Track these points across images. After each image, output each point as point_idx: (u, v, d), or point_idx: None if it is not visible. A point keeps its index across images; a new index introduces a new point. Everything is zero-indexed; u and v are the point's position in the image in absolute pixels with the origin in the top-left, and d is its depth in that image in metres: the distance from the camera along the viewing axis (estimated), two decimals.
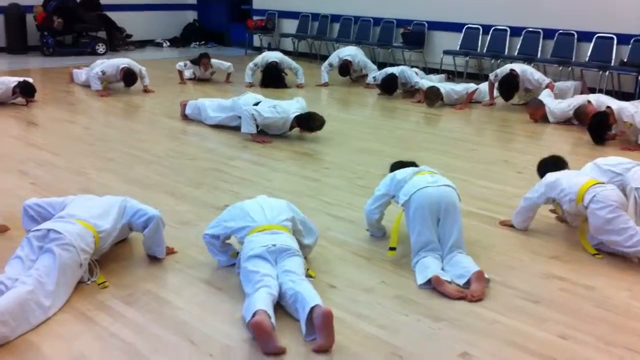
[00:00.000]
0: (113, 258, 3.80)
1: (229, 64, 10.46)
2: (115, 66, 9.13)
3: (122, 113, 8.26)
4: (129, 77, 9.06)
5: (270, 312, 2.95)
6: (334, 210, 4.80)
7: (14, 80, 8.06)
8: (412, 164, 4.28)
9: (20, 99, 8.18)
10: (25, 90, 8.02)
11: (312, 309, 2.94)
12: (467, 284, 3.56)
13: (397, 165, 4.28)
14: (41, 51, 13.11)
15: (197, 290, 3.49)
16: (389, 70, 9.62)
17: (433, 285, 3.53)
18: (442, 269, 3.68)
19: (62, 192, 4.92)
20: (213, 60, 10.32)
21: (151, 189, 5.16)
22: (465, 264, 3.68)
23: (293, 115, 6.66)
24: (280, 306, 3.18)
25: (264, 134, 6.83)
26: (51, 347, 2.90)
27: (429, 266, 3.64)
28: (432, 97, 8.76)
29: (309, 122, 6.66)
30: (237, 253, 3.65)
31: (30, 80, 8.22)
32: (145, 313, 3.22)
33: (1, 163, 5.64)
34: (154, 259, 3.82)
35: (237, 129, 6.93)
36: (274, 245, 3.35)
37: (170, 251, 3.90)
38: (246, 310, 3.01)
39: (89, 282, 3.44)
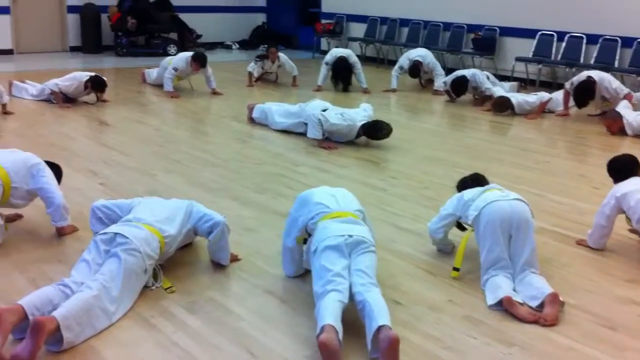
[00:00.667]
0: (177, 263, 3.80)
1: (294, 65, 10.43)
2: (184, 59, 9.21)
3: (190, 115, 8.35)
4: (202, 59, 9.10)
5: (339, 325, 2.85)
6: (400, 221, 4.68)
7: (85, 75, 8.24)
8: (479, 180, 4.11)
9: (91, 97, 8.36)
10: (96, 85, 8.17)
11: (379, 328, 2.84)
12: (540, 306, 3.39)
13: (464, 183, 4.12)
14: (115, 51, 13.44)
15: (260, 300, 3.44)
16: (460, 72, 9.40)
17: (504, 307, 3.38)
18: (514, 289, 3.52)
19: (130, 194, 4.98)
20: (281, 54, 10.32)
21: (216, 193, 5.16)
22: (538, 284, 3.51)
23: (360, 123, 6.59)
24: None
25: (329, 140, 6.77)
26: (113, 354, 2.90)
27: (500, 286, 3.49)
28: (501, 108, 8.52)
29: (374, 131, 6.57)
30: (304, 239, 3.53)
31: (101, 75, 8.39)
32: (208, 322, 3.19)
33: (73, 162, 5.75)
34: (218, 266, 3.80)
35: (303, 134, 6.89)
36: (350, 236, 3.23)
37: (234, 258, 3.87)
38: (317, 316, 2.93)
39: (153, 288, 3.43)
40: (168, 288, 3.46)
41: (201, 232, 3.76)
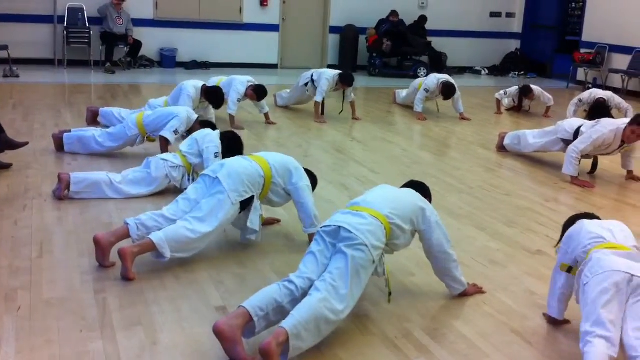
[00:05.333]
0: (422, 288, 3.80)
1: (549, 96, 10.03)
2: (435, 81, 9.29)
3: (437, 137, 8.38)
4: (449, 90, 9.16)
5: None
6: None
7: (337, 73, 8.67)
8: None
9: (337, 107, 8.78)
10: (344, 79, 8.58)
11: None
12: None
13: None
14: (368, 71, 13.98)
15: (507, 339, 3.30)
16: None
17: None
18: None
19: None
20: (535, 87, 9.97)
21: (462, 220, 5.09)
22: None
23: (623, 126, 6.02)
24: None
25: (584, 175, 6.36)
26: None
27: None
28: None
29: None
30: (569, 268, 3.26)
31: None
32: (452, 352, 3.14)
33: (327, 175, 6.05)
34: (458, 297, 3.71)
35: (555, 167, 6.55)
36: (633, 276, 2.84)
37: (478, 290, 3.77)
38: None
39: (381, 277, 3.35)
40: (390, 294, 3.38)
41: (425, 247, 3.55)
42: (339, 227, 3.25)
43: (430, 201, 3.70)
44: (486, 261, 4.27)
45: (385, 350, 3.12)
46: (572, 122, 6.64)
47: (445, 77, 9.38)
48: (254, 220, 4.13)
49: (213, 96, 7.18)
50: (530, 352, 3.20)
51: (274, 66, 13.92)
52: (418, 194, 3.62)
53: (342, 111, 8.84)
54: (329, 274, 3.11)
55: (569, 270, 3.25)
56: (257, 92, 7.90)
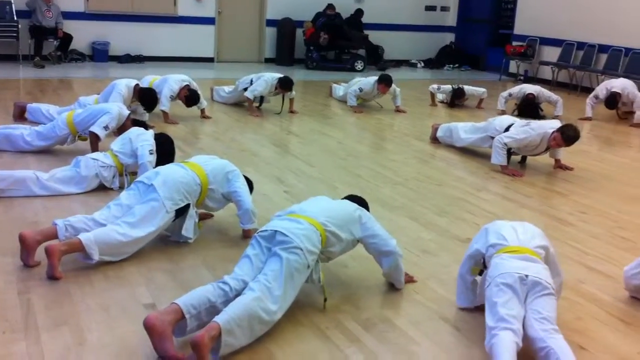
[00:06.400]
0: (355, 278, 3.82)
1: (483, 89, 10.25)
2: (371, 83, 9.37)
3: (373, 130, 8.45)
4: (387, 81, 9.22)
5: None
6: (589, 260, 4.38)
7: (275, 77, 8.61)
8: None
9: (276, 106, 8.75)
10: (284, 85, 8.54)
11: None
12: None
13: None
14: (305, 64, 13.98)
15: (436, 326, 3.37)
16: None
17: None
18: None
19: None
20: (466, 87, 10.17)
21: (396, 211, 5.15)
22: None
23: (550, 130, 6.23)
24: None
25: (515, 164, 6.53)
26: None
27: None
28: None
29: (567, 127, 6.19)
30: (480, 271, 3.42)
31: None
32: (382, 341, 3.18)
33: (262, 169, 6.03)
34: (392, 286, 3.76)
35: (486, 156, 6.70)
36: (527, 276, 3.05)
37: (409, 279, 3.83)
38: (492, 352, 2.81)
39: (319, 284, 3.37)
40: (325, 300, 3.42)
41: (369, 250, 3.64)
42: (275, 231, 3.28)
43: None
44: (418, 251, 4.33)
45: (316, 341, 3.14)
46: (502, 121, 6.78)
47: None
48: (189, 228, 4.14)
49: (146, 99, 7.04)
50: (458, 338, 3.27)
51: (210, 60, 13.77)
52: (355, 204, 3.67)
53: (280, 112, 8.79)
54: (264, 275, 3.13)
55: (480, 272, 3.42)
56: (189, 99, 7.75)
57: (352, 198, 3.89)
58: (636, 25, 11.69)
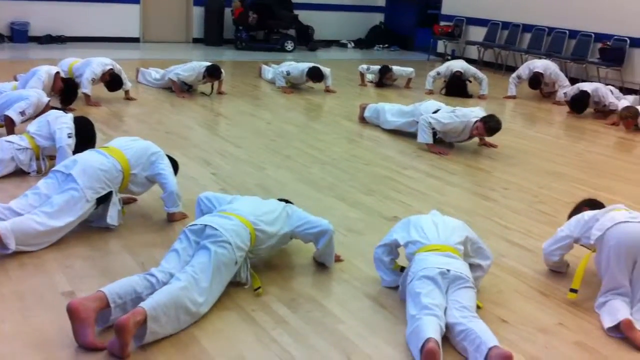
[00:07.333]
0: (280, 260, 3.81)
1: (410, 69, 10.35)
2: (300, 70, 9.34)
3: (303, 111, 8.41)
4: (317, 74, 9.20)
5: (440, 344, 2.77)
6: (511, 235, 4.49)
7: (203, 65, 8.46)
8: (596, 205, 3.87)
9: (208, 88, 8.59)
10: (212, 73, 8.39)
11: (491, 349, 2.71)
12: None
13: (587, 204, 3.88)
14: (235, 44, 13.79)
15: (362, 304, 3.39)
16: (582, 86, 8.96)
17: (622, 330, 3.15)
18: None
19: (240, 186, 5.07)
20: (395, 68, 10.25)
21: (324, 191, 5.15)
22: None
23: (474, 119, 6.37)
24: (444, 339, 2.98)
25: (441, 143, 6.63)
26: (213, 344, 2.92)
27: (619, 309, 3.26)
28: (629, 118, 8.02)
29: (489, 118, 6.33)
30: (402, 267, 3.50)
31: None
32: (307, 321, 3.17)
33: (188, 151, 5.92)
34: (320, 265, 3.77)
35: (413, 136, 6.78)
36: (448, 270, 3.14)
37: (337, 259, 3.84)
38: (414, 334, 2.85)
39: (246, 287, 3.40)
40: (257, 289, 3.39)
41: (304, 238, 3.67)
42: (205, 225, 3.28)
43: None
44: (345, 230, 4.34)
45: (242, 324, 3.10)
46: (428, 106, 6.85)
47: (311, 64, 9.38)
48: (113, 216, 4.04)
49: (65, 92, 6.76)
50: (383, 315, 3.30)
51: (135, 40, 13.40)
52: (282, 202, 3.73)
53: (210, 94, 8.63)
54: (191, 267, 3.11)
55: (402, 269, 3.50)
56: (112, 83, 7.52)
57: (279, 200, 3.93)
58: (558, 5, 12.01)
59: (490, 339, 2.78)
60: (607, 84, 9.43)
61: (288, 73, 9.38)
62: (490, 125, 6.30)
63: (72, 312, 2.77)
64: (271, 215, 3.55)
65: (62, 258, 3.63)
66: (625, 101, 8.80)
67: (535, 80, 9.70)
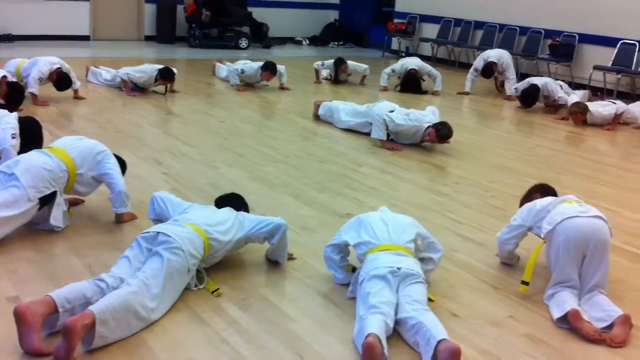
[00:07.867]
0: (231, 260, 3.75)
1: (365, 66, 10.36)
2: (255, 69, 9.27)
3: (257, 109, 8.36)
4: (272, 69, 9.14)
5: (383, 339, 2.77)
6: (462, 229, 4.53)
7: (155, 68, 8.36)
8: (548, 190, 3.94)
9: (160, 87, 8.48)
10: (166, 76, 8.28)
11: (440, 342, 2.72)
12: (608, 328, 3.20)
13: (538, 190, 3.94)
14: (188, 42, 13.63)
15: (314, 303, 3.37)
16: (532, 80, 9.11)
17: (569, 320, 3.20)
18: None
19: (192, 185, 5.01)
20: (350, 62, 10.26)
21: (277, 189, 5.12)
22: (607, 306, 3.32)
23: (426, 125, 6.44)
24: (396, 334, 2.98)
25: (394, 142, 6.66)
26: (162, 346, 2.86)
27: (566, 300, 3.31)
28: (578, 114, 8.17)
29: (441, 125, 6.39)
30: (353, 268, 3.50)
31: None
32: (259, 321, 3.14)
33: (139, 150, 5.82)
34: (272, 264, 3.74)
35: (368, 134, 6.79)
36: (399, 268, 3.14)
37: (290, 257, 3.81)
38: (360, 334, 2.84)
39: (195, 289, 3.35)
40: (215, 291, 3.35)
41: (258, 238, 3.63)
42: (158, 232, 3.24)
43: (247, 210, 3.89)
44: (298, 228, 4.31)
45: (192, 326, 3.05)
46: (382, 108, 6.85)
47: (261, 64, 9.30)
48: (57, 217, 3.94)
49: (10, 96, 6.52)
50: (335, 312, 3.28)
51: (85, 38, 13.13)
52: (234, 211, 3.70)
53: (165, 93, 8.50)
54: (142, 272, 3.06)
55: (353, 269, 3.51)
56: (60, 83, 7.36)
57: (227, 200, 3.91)
58: (508, 2, 12.19)
59: (440, 332, 2.79)
60: (557, 80, 9.60)
61: (242, 71, 9.31)
62: (442, 132, 6.36)
63: (19, 316, 2.69)
64: (225, 225, 3.52)
65: (6, 262, 3.52)
66: (575, 96, 8.98)
67: (488, 69, 9.76)
